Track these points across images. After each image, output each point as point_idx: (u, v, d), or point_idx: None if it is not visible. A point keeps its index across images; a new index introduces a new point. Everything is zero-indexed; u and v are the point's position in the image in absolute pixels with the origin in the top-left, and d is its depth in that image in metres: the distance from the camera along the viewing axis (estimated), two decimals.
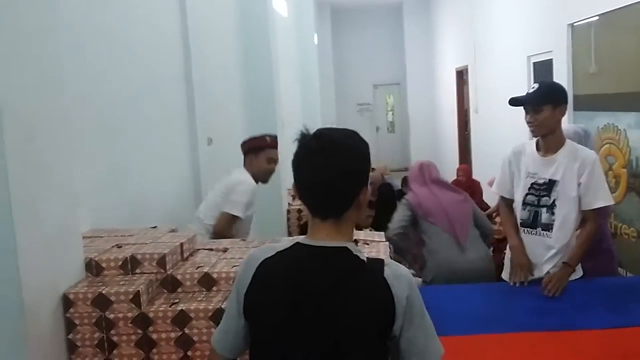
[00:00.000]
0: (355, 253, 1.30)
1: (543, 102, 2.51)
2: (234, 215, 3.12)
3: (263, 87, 5.97)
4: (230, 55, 5.55)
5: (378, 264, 1.30)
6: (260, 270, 1.31)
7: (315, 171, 1.28)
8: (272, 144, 3.35)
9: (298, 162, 1.32)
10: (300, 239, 1.34)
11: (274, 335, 1.28)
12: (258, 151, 3.30)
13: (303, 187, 1.32)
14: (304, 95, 10.42)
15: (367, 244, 2.34)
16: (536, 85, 2.60)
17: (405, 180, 7.88)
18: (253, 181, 3.23)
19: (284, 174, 5.82)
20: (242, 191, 3.17)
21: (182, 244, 2.31)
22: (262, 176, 3.32)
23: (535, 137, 2.62)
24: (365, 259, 1.30)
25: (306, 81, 10.60)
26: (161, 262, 2.15)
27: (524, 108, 2.58)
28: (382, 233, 2.52)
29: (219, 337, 1.39)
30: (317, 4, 12.52)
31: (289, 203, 6.15)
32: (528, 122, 2.57)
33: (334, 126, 1.42)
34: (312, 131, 1.33)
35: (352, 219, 1.34)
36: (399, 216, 3.49)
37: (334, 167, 1.27)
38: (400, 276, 1.28)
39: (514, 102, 2.61)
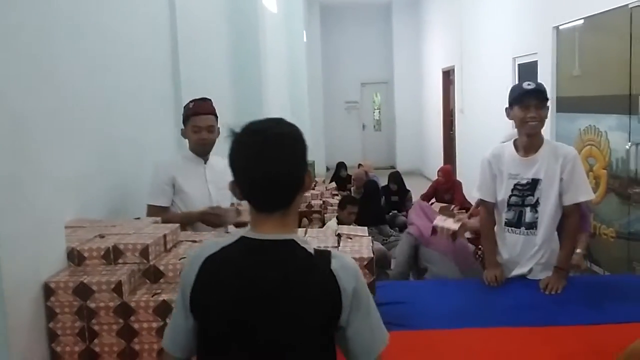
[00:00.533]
0: (302, 245, 1.30)
1: (546, 98, 2.55)
2: (152, 205, 2.84)
3: (251, 82, 5.98)
4: (218, 50, 5.54)
5: (325, 255, 1.30)
6: (205, 268, 1.29)
7: (263, 165, 1.25)
8: (195, 111, 2.88)
9: (240, 159, 1.29)
10: (245, 233, 1.32)
11: (224, 332, 1.27)
12: (185, 122, 2.91)
13: (250, 183, 1.28)
14: (292, 92, 10.44)
15: (350, 239, 2.36)
16: (533, 83, 2.58)
17: (392, 177, 7.96)
18: (162, 160, 3.00)
19: None
20: (151, 176, 2.92)
21: (165, 235, 2.30)
22: (194, 148, 2.93)
23: (534, 133, 2.59)
24: (312, 251, 1.30)
25: (294, 78, 10.62)
26: (144, 252, 2.15)
27: (526, 103, 2.52)
28: (365, 228, 2.54)
29: (169, 339, 1.37)
30: (307, 1, 12.52)
31: None
32: (530, 118, 2.52)
33: (276, 118, 1.37)
34: (238, 128, 1.30)
35: (297, 206, 1.34)
36: (402, 257, 3.74)
37: (282, 159, 1.26)
38: (347, 268, 1.29)
39: (530, 93, 2.53)
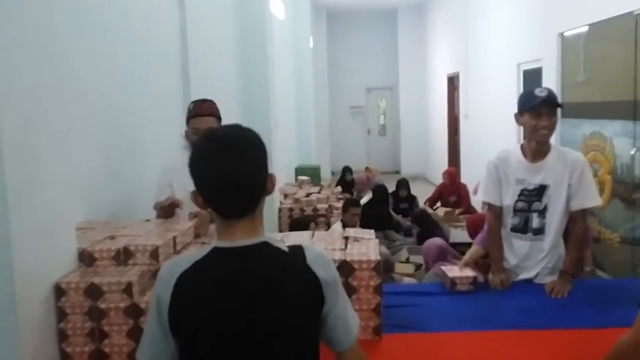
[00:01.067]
0: (275, 245, 1.32)
1: (558, 106, 2.54)
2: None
3: (258, 87, 6.03)
4: (226, 55, 5.59)
5: (299, 251, 1.33)
6: (181, 285, 1.27)
7: (230, 172, 1.26)
8: (195, 112, 2.83)
9: (203, 167, 1.28)
10: (217, 243, 1.32)
11: (212, 346, 1.26)
12: (187, 124, 2.88)
13: (216, 190, 1.28)
14: (299, 97, 10.49)
15: (357, 241, 2.37)
16: (545, 89, 2.55)
17: (401, 184, 7.97)
18: (164, 165, 3.00)
19: (277, 171, 5.84)
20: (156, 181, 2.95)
21: (175, 237, 2.33)
22: None
23: (545, 141, 2.58)
24: (286, 249, 1.33)
25: (301, 83, 10.68)
26: (154, 253, 2.17)
27: (538, 112, 2.50)
28: (372, 231, 2.55)
29: None
30: (313, 8, 12.59)
31: (280, 201, 6.19)
32: (542, 127, 2.50)
33: (240, 125, 1.38)
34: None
35: (262, 209, 1.36)
36: None
37: (246, 164, 1.28)
38: (321, 258, 1.34)
39: (544, 102, 2.51)
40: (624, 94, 4.04)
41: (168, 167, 2.98)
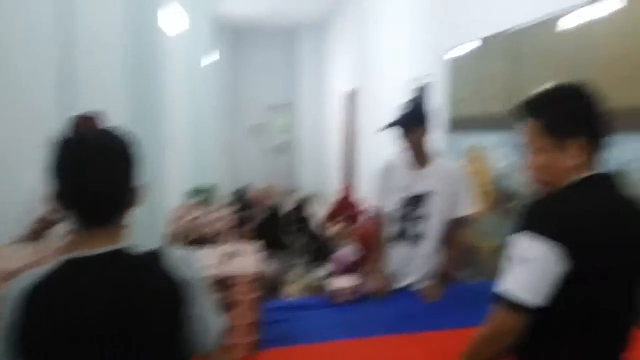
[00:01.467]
0: (132, 250, 1.29)
1: (413, 124, 2.66)
2: None
3: (149, 105, 5.81)
4: (114, 68, 5.34)
5: (156, 254, 1.30)
6: (27, 301, 1.19)
7: (91, 179, 1.21)
8: (78, 126, 2.69)
9: (66, 172, 1.22)
10: (70, 254, 1.25)
11: (68, 359, 1.19)
12: None
13: (79, 195, 1.22)
14: (196, 115, 10.27)
15: (238, 256, 2.33)
16: (406, 107, 2.73)
17: (298, 203, 8.02)
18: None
19: (170, 191, 5.65)
20: None
21: (39, 259, 2.16)
22: None
23: (409, 155, 2.75)
24: (143, 253, 1.30)
25: (199, 100, 10.45)
26: (10, 278, 1.99)
27: (397, 130, 2.72)
28: (258, 245, 2.53)
29: None
30: (217, 25, 12.45)
31: (172, 223, 5.98)
32: (401, 144, 2.73)
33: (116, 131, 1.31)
34: (64, 137, 1.24)
35: (126, 220, 1.32)
36: None
37: (112, 172, 1.23)
38: (180, 259, 1.32)
39: (390, 126, 2.74)
40: (500, 106, 4.32)
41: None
